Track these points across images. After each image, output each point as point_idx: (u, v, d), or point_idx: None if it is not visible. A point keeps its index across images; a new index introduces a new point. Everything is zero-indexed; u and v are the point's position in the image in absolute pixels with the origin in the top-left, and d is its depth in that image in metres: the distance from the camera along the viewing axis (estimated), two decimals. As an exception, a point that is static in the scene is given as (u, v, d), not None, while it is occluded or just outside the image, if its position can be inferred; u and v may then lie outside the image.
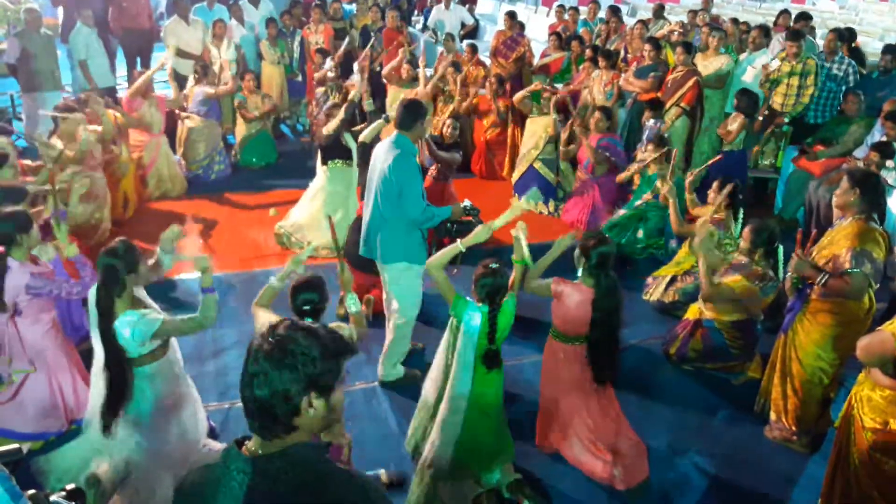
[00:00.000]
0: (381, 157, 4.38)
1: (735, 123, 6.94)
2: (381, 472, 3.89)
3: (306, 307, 3.25)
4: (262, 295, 3.45)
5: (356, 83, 6.49)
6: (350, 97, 6.41)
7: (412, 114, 4.34)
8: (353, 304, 3.40)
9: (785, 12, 9.52)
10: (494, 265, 3.56)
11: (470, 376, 3.57)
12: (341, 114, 6.08)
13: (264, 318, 3.18)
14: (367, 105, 7.05)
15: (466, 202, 4.32)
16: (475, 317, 3.51)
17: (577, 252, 3.76)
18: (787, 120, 7.33)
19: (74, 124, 5.84)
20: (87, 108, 6.48)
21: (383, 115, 6.23)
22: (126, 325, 3.21)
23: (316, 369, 1.67)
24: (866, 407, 3.13)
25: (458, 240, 3.68)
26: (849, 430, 3.25)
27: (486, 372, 3.57)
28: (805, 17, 8.71)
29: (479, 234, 3.64)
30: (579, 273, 3.79)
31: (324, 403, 1.71)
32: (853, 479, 3.25)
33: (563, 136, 7.49)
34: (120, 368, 3.26)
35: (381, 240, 4.42)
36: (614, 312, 3.67)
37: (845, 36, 7.83)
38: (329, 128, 6.11)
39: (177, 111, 8.02)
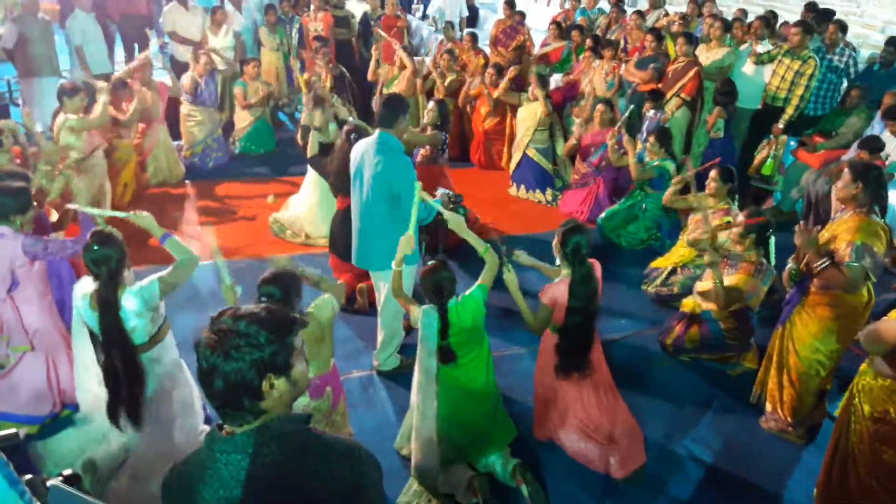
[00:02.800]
0: (368, 159, 4.22)
1: (714, 112, 7.04)
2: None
3: (263, 299, 3.23)
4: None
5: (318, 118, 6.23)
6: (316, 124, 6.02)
7: (393, 110, 4.21)
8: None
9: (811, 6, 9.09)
10: (430, 262, 3.58)
11: (433, 379, 3.55)
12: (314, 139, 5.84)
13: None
14: (351, 120, 6.64)
15: (443, 190, 4.29)
16: (433, 322, 3.51)
17: (554, 241, 3.77)
18: (781, 126, 7.27)
19: (77, 105, 5.85)
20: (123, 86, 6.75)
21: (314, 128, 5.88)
22: (133, 300, 3.23)
23: (264, 353, 1.68)
24: (867, 396, 3.15)
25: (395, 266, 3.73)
26: (849, 419, 3.26)
27: (443, 366, 3.57)
28: (839, 22, 7.96)
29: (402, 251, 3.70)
30: (557, 262, 3.81)
31: (284, 381, 1.72)
32: (852, 469, 3.26)
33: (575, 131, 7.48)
34: (133, 361, 3.28)
35: (378, 248, 4.31)
36: (590, 300, 3.66)
37: (846, 27, 7.79)
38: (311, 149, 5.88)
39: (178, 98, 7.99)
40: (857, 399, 3.21)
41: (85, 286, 3.33)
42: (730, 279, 4.52)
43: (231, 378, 1.66)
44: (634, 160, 6.38)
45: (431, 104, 6.56)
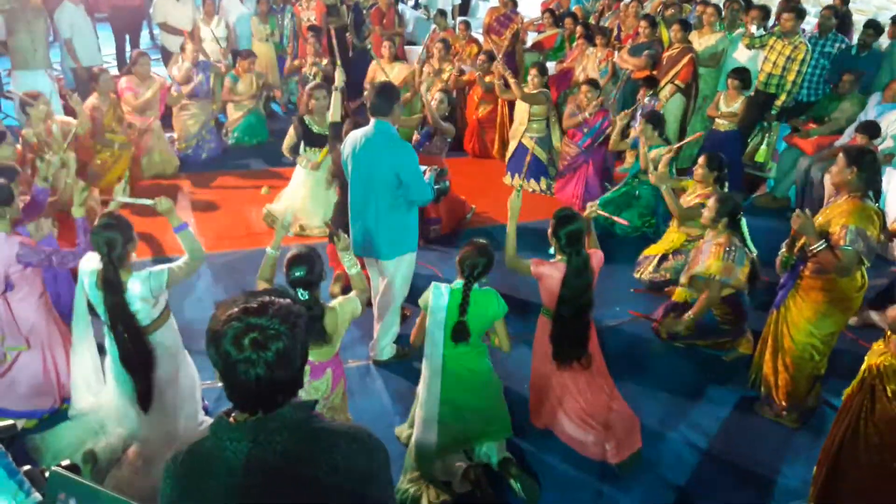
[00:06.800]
0: (370, 150, 4.16)
1: (737, 103, 6.93)
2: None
3: (298, 274, 3.26)
4: (263, 268, 3.56)
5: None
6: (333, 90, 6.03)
7: (388, 98, 4.16)
8: (351, 266, 3.57)
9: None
10: (481, 241, 3.60)
11: (440, 354, 3.59)
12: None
13: None
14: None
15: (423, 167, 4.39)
16: (443, 295, 3.54)
17: (549, 231, 3.79)
18: (774, 113, 7.27)
19: (42, 112, 5.78)
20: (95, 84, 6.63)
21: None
22: (139, 285, 3.26)
23: (303, 320, 1.71)
24: (894, 378, 3.12)
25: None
26: (863, 401, 3.24)
27: (454, 346, 3.58)
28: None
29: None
30: (551, 251, 3.83)
31: None
32: (875, 451, 3.23)
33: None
34: (141, 341, 3.31)
35: (385, 238, 4.31)
36: (584, 291, 3.69)
37: (840, 13, 7.78)
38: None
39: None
40: (876, 381, 3.17)
41: (92, 262, 3.35)
42: (701, 266, 4.56)
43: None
44: (645, 150, 6.14)
45: (440, 95, 6.51)
